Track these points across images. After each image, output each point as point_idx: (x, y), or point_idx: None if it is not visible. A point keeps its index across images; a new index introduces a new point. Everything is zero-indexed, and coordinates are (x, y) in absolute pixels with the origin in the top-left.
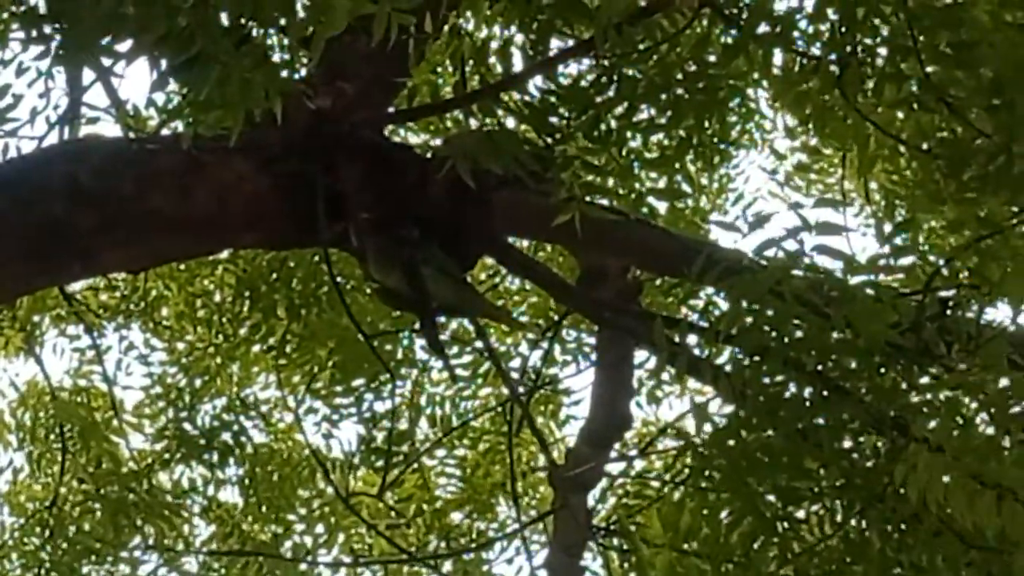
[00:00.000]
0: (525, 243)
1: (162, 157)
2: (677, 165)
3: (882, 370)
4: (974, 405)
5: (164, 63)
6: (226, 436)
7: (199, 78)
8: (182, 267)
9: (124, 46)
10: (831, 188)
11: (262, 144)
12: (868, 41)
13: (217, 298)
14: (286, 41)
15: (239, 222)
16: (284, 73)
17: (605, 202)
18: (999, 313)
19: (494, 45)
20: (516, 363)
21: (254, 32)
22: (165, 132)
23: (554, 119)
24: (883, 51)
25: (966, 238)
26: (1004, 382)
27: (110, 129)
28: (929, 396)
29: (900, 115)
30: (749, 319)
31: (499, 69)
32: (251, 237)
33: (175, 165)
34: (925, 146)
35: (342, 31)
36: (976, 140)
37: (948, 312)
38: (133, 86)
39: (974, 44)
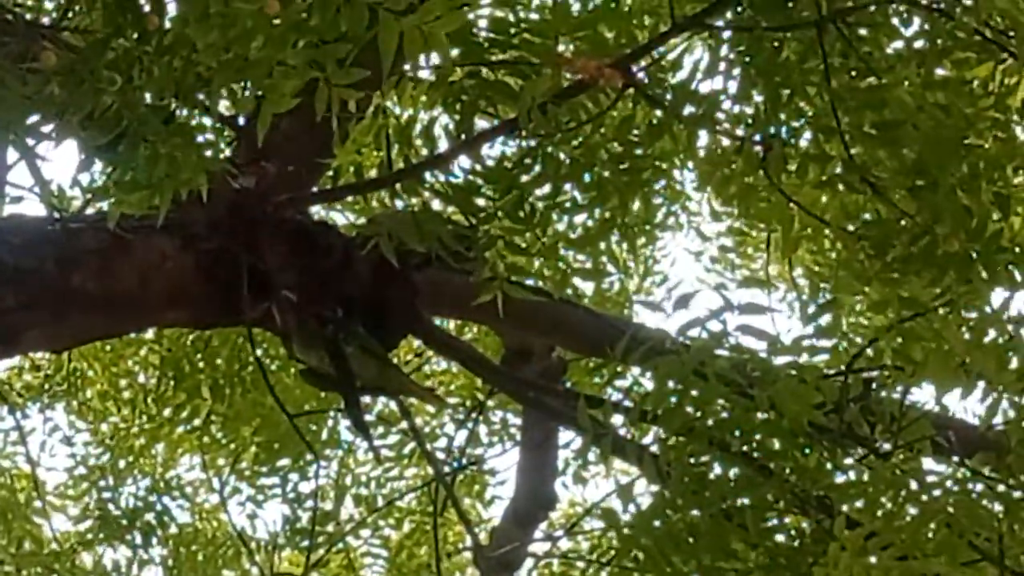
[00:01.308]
0: (452, 323)
1: (85, 236)
2: (602, 245)
3: (806, 451)
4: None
5: (90, 143)
6: (150, 517)
7: (126, 158)
8: (106, 347)
9: (48, 126)
10: (755, 271)
11: (185, 223)
12: (793, 122)
13: (141, 378)
14: (208, 121)
15: (162, 301)
16: (209, 152)
17: (530, 282)
18: (923, 394)
19: (418, 126)
20: (442, 443)
21: (178, 112)
22: (89, 211)
23: (478, 199)
24: (807, 132)
25: (889, 319)
26: (928, 463)
27: (33, 208)
28: (853, 477)
29: (824, 197)
30: (673, 399)
31: (423, 149)
32: (174, 316)
33: (98, 244)
34: (850, 227)
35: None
36: (900, 221)
37: (871, 393)
38: (56, 165)
39: (898, 124)
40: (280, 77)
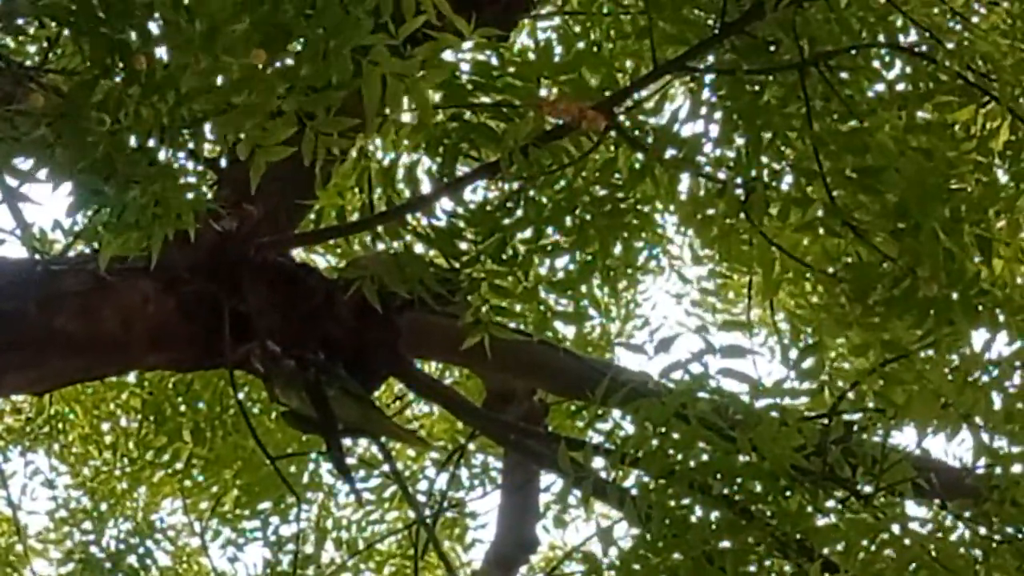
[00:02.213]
0: (434, 365)
1: (67, 278)
2: (583, 289)
3: (787, 494)
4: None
5: (80, 185)
6: (132, 559)
7: (115, 199)
8: (88, 390)
9: (38, 168)
10: (737, 314)
11: (167, 265)
12: (774, 165)
13: (123, 422)
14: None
15: (143, 343)
16: (193, 195)
17: (512, 325)
18: (904, 437)
19: (401, 169)
20: (423, 486)
21: (161, 153)
22: (71, 253)
23: (461, 242)
24: (788, 175)
25: (871, 362)
26: (910, 507)
27: (16, 250)
28: (834, 520)
29: (805, 240)
30: (655, 442)
31: (406, 192)
32: (155, 358)
33: (79, 286)
34: (831, 270)
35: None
36: (882, 264)
37: (852, 436)
38: (38, 207)
39: (881, 169)
40: (274, 126)
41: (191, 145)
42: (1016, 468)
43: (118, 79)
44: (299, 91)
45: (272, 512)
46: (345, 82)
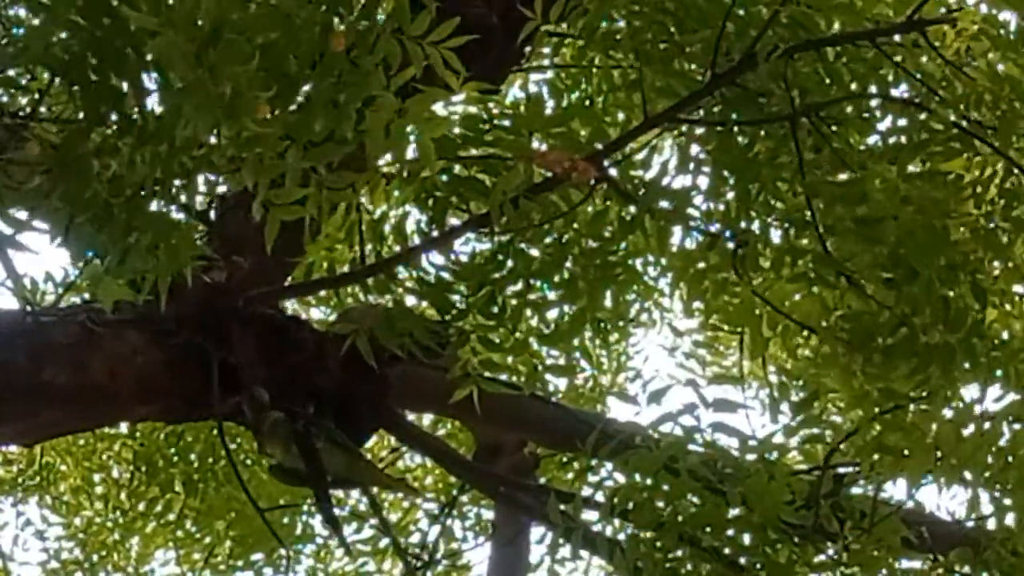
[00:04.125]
0: (428, 418)
1: (56, 329)
2: (575, 341)
3: (777, 546)
4: None
5: (79, 234)
6: None
7: (113, 247)
8: (80, 441)
9: (35, 217)
10: (728, 367)
11: (155, 317)
12: (765, 218)
13: (115, 473)
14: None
15: (132, 395)
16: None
17: (502, 377)
18: (896, 491)
19: (390, 222)
20: (416, 538)
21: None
22: (61, 304)
23: (451, 295)
24: (779, 228)
25: (865, 413)
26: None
27: (5, 302)
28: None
29: (798, 294)
30: (644, 494)
31: (395, 245)
32: (144, 410)
33: (69, 338)
34: (827, 322)
35: (235, 205)
36: (879, 313)
37: (842, 489)
38: (29, 259)
39: (879, 220)
40: (287, 185)
41: (183, 197)
42: (1008, 520)
43: (112, 128)
44: (300, 145)
45: (265, 563)
46: (347, 136)
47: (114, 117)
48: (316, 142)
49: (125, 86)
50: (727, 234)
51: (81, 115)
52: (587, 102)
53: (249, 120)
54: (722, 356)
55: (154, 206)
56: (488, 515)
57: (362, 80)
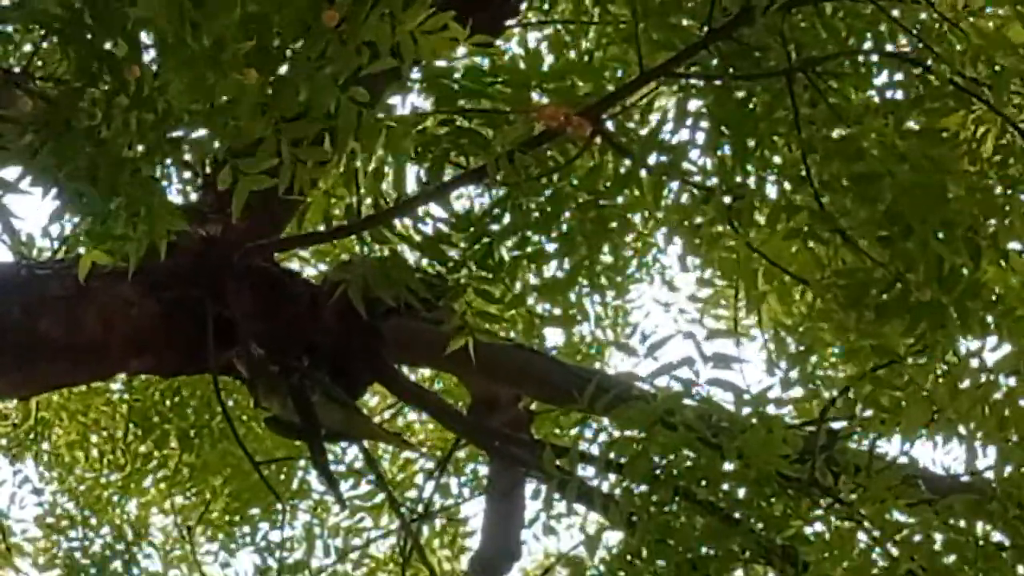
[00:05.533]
0: (424, 374)
1: (51, 283)
2: (572, 298)
3: (772, 500)
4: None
5: (67, 192)
6: (117, 564)
7: (101, 206)
8: (75, 397)
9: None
10: (722, 318)
11: (150, 270)
12: (761, 173)
13: (110, 429)
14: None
15: (126, 348)
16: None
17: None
18: (891, 447)
19: (388, 172)
20: (413, 494)
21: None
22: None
23: (447, 248)
24: (774, 183)
25: (860, 368)
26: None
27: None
28: (819, 527)
29: (794, 248)
30: (639, 447)
31: (392, 196)
32: (138, 363)
33: (63, 291)
34: (822, 277)
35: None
36: (874, 270)
37: (837, 444)
38: (23, 212)
39: (876, 176)
40: (258, 154)
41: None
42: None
43: (105, 89)
44: (275, 118)
45: (262, 518)
46: (321, 114)
47: (107, 77)
48: (290, 118)
49: (119, 47)
50: (723, 188)
51: (74, 74)
52: (587, 59)
53: (229, 82)
54: (720, 309)
55: (147, 168)
56: (484, 471)
57: (347, 57)
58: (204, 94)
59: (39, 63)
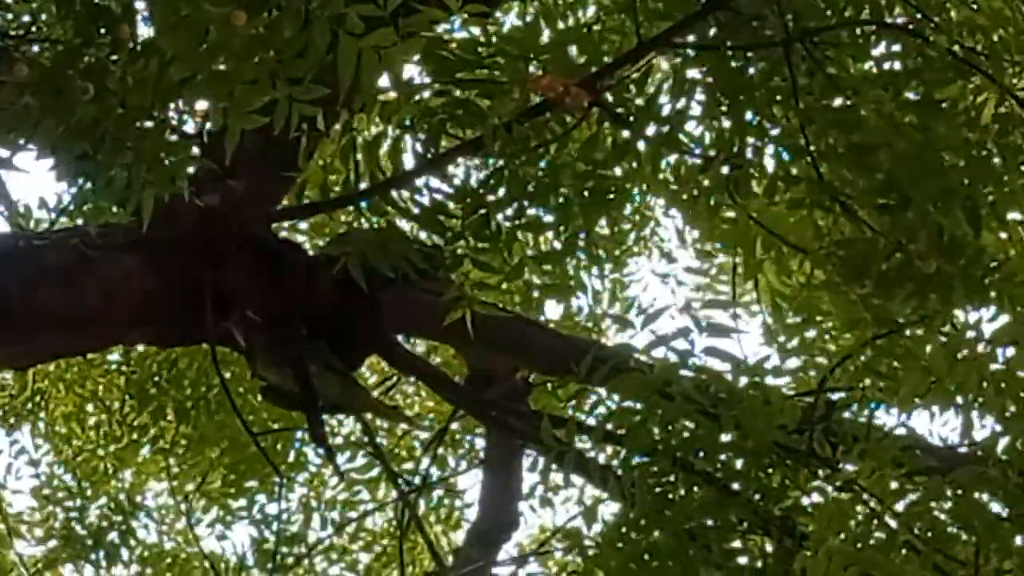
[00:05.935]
0: (421, 347)
1: (49, 253)
2: (570, 270)
3: (770, 471)
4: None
5: (67, 153)
6: (114, 536)
7: (105, 164)
8: (72, 368)
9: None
10: (718, 290)
11: (149, 240)
12: (758, 143)
13: (107, 401)
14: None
15: (125, 318)
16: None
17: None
18: (890, 418)
19: (386, 143)
20: (410, 466)
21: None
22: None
23: (445, 219)
24: (772, 153)
25: (858, 338)
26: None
27: None
28: (817, 497)
29: (792, 218)
30: (637, 418)
31: (390, 168)
32: (137, 333)
33: (62, 261)
34: (823, 247)
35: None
36: (874, 240)
37: (835, 414)
38: (22, 183)
39: (874, 147)
40: (246, 93)
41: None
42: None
43: (103, 45)
44: (272, 58)
45: (259, 490)
46: (319, 53)
47: (104, 36)
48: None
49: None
50: (721, 158)
51: (73, 34)
52: (584, 28)
53: (214, 10)
54: (718, 280)
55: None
56: (481, 444)
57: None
58: (195, 39)
59: (35, 26)
